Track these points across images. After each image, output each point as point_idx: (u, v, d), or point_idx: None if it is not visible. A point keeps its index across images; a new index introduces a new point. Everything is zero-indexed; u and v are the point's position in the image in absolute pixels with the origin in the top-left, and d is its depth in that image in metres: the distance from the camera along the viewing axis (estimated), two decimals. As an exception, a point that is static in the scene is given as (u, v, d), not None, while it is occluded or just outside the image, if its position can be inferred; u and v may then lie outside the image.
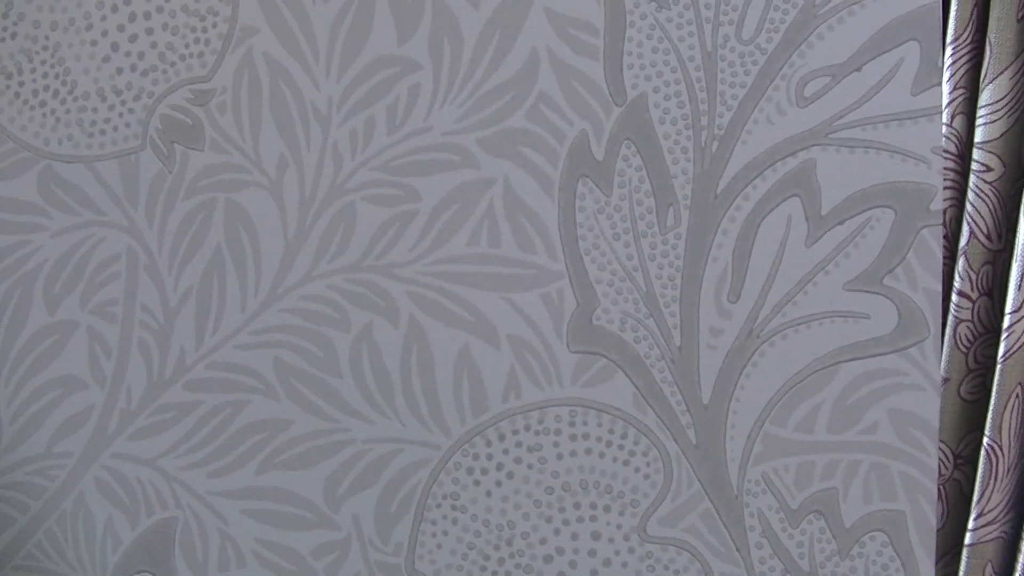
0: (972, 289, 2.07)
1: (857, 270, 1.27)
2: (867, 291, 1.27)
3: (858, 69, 1.26)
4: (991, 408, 2.03)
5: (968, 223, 2.06)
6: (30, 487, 1.37)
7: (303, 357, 1.32)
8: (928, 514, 1.27)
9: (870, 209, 1.27)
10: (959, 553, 2.11)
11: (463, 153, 1.31)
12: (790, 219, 1.28)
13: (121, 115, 1.36)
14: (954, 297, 2.06)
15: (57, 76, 1.37)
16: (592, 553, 1.30)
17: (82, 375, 1.36)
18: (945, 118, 2.06)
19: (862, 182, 1.27)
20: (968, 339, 2.07)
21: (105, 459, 1.36)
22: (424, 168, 1.32)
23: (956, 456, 2.09)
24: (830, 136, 1.27)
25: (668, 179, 1.29)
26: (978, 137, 2.03)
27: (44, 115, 1.37)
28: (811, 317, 1.27)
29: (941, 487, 2.10)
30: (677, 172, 1.29)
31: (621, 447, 1.30)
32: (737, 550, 1.28)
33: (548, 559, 1.31)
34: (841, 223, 1.27)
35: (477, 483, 1.30)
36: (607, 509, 1.30)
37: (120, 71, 1.36)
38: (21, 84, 1.38)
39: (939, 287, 1.26)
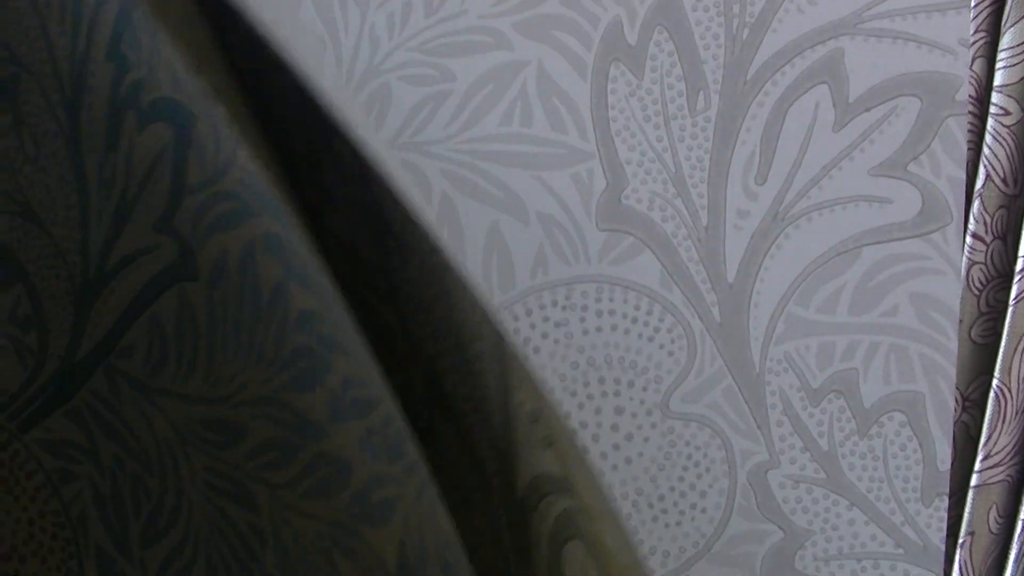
0: (986, 232, 2.09)
1: (882, 156, 1.30)
2: (891, 177, 1.30)
3: (889, -43, 1.29)
4: (1001, 351, 2.05)
5: (985, 166, 2.09)
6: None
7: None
8: (947, 396, 1.29)
9: (896, 98, 1.30)
10: (965, 495, 2.13)
11: (498, 36, 1.34)
12: (817, 106, 1.30)
13: None
14: (968, 239, 2.09)
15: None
16: (615, 428, 1.33)
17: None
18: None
19: (889, 71, 1.30)
20: (981, 282, 2.10)
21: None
22: (459, 50, 1.35)
23: (965, 399, 2.12)
24: (859, 26, 1.30)
25: (699, 64, 1.32)
26: (998, 80, 2.06)
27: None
28: (836, 201, 1.30)
29: (950, 429, 2.12)
30: (708, 58, 1.32)
31: (646, 324, 1.32)
32: (758, 427, 1.31)
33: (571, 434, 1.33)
34: (867, 110, 1.30)
35: (503, 358, 1.32)
36: (631, 385, 1.32)
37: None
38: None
39: (963, 175, 1.29)
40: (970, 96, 2.17)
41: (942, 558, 1.30)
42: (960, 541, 2.04)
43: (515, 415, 0.87)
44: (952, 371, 1.29)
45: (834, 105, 1.30)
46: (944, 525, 1.30)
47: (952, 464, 2.23)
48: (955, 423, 2.16)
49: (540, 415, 0.84)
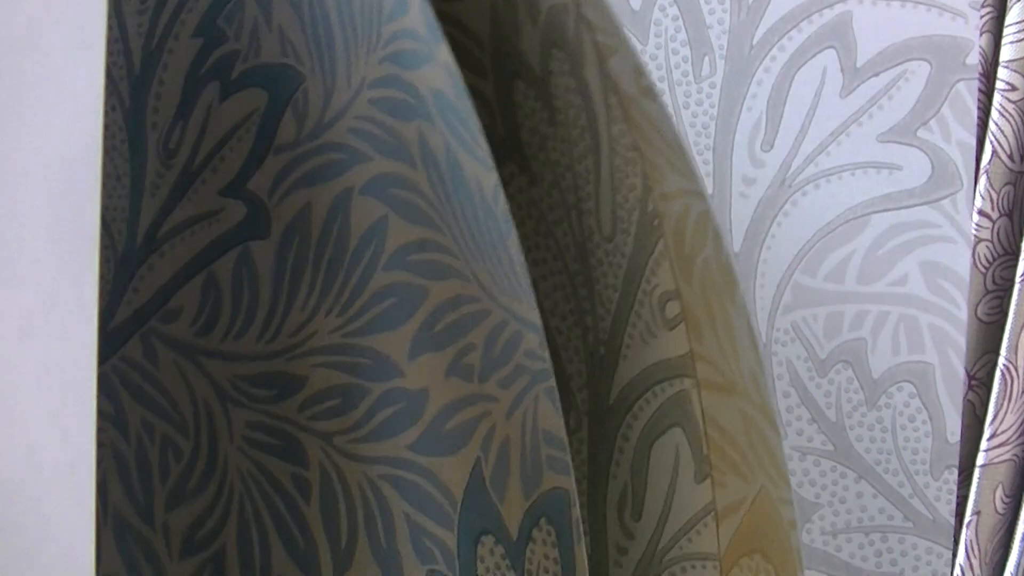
0: (993, 209, 2.07)
1: (891, 122, 1.27)
2: (900, 143, 1.27)
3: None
4: (1008, 329, 2.03)
5: (991, 142, 2.07)
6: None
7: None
8: (957, 367, 1.27)
9: (905, 62, 1.27)
10: (971, 474, 2.11)
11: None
12: (825, 71, 1.28)
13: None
14: (975, 216, 2.07)
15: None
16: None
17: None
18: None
19: (898, 35, 1.27)
20: (987, 259, 2.08)
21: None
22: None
23: (971, 378, 2.09)
24: (867, -10, 1.27)
25: (704, 30, 1.29)
26: (1004, 55, 2.03)
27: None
28: (844, 168, 1.27)
29: (956, 409, 2.10)
30: (713, 23, 1.29)
31: (650, 293, 1.30)
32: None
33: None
34: (876, 75, 1.28)
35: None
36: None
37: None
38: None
39: (973, 141, 1.26)
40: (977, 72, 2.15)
41: (952, 531, 1.28)
42: (966, 521, 2.02)
43: (640, 303, 0.90)
44: (962, 341, 1.27)
45: (842, 70, 1.27)
46: (954, 498, 1.28)
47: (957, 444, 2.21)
48: (960, 402, 2.14)
49: (676, 294, 0.86)
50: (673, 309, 0.90)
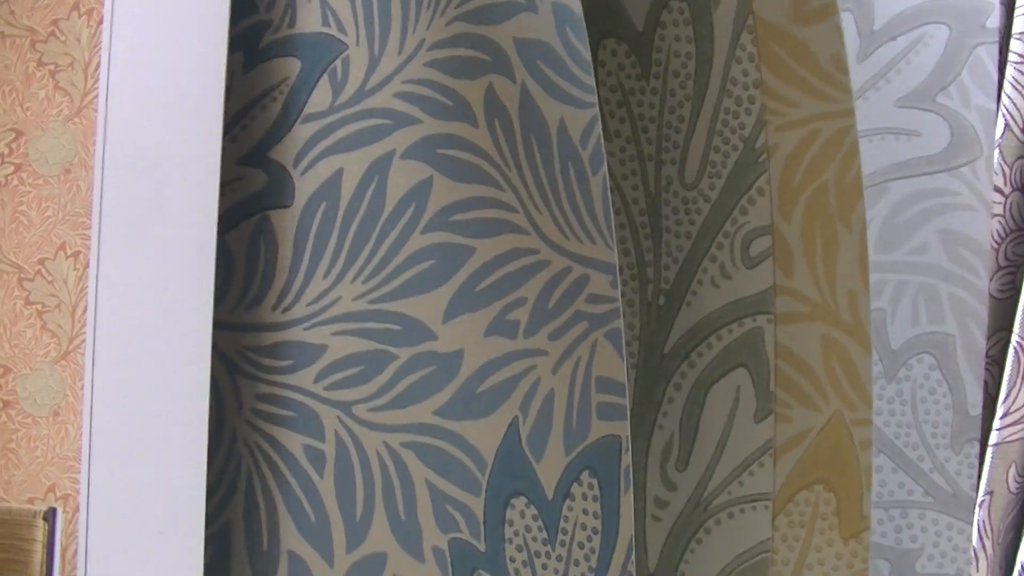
0: (1005, 183, 2.04)
1: (909, 87, 1.24)
2: (919, 108, 1.24)
3: None
4: (1021, 306, 2.00)
5: (1004, 116, 2.04)
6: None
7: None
8: (978, 337, 1.24)
9: (924, 25, 1.24)
10: (983, 454, 2.08)
11: None
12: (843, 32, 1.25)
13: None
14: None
15: None
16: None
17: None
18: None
19: (916, -2, 1.25)
20: (1000, 235, 2.05)
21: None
22: None
23: (984, 355, 2.06)
24: (884, -48, 1.25)
25: None
26: (1017, 28, 2.00)
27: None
28: (861, 134, 1.24)
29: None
30: None
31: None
32: (780, 371, 1.26)
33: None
34: (893, 39, 1.25)
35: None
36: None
37: None
38: None
39: (993, 106, 1.24)
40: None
41: (973, 506, 1.25)
42: (979, 500, 1.99)
43: (718, 246, 0.92)
44: (984, 312, 1.24)
45: (859, 34, 1.24)
46: (975, 472, 1.25)
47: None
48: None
49: (769, 229, 0.88)
50: (760, 245, 0.91)
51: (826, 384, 0.92)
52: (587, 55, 0.87)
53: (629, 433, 0.90)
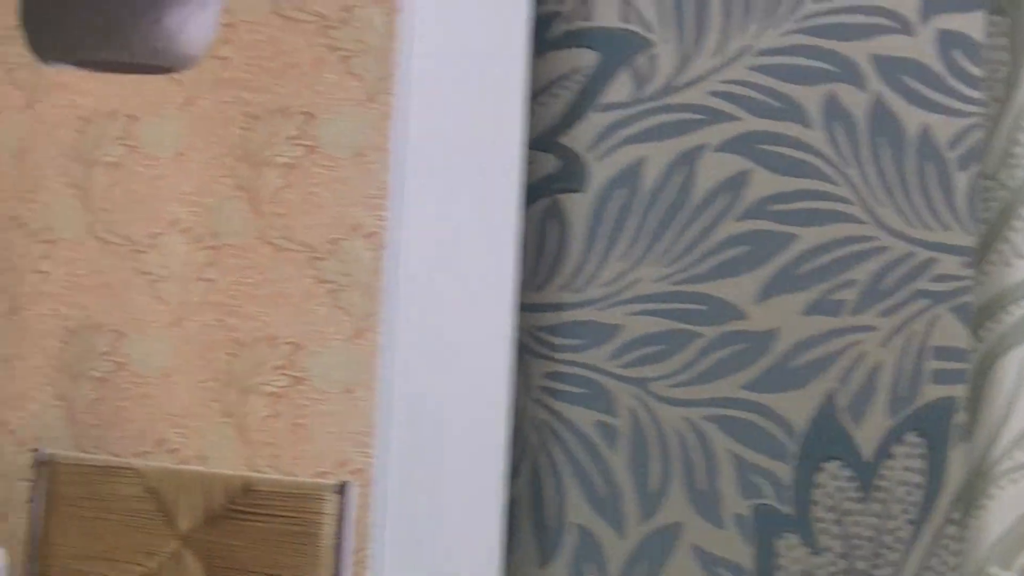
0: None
1: None
2: None
3: None
4: None
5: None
6: None
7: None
8: None
9: None
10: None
11: None
12: None
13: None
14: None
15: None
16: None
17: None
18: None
19: None
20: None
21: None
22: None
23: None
24: None
25: None
26: None
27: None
28: None
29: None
30: None
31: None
32: None
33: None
34: None
35: None
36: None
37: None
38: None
39: None
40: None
41: None
42: None
43: (1011, 228, 0.90)
44: None
45: None
46: None
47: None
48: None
49: None
50: None
51: None
52: (977, 72, 0.85)
53: (963, 394, 0.87)
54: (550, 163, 1.45)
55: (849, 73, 1.15)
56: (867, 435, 1.11)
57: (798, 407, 1.14)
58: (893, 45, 1.10)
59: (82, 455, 2.14)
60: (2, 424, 2.42)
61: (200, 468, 2.13)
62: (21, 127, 2.40)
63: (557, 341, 1.40)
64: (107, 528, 2.07)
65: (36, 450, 2.15)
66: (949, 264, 1.07)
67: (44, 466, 2.11)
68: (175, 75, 2.23)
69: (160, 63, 1.50)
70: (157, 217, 2.29)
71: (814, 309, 1.16)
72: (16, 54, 2.43)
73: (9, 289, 2.40)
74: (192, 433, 2.26)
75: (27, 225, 2.40)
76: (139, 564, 2.07)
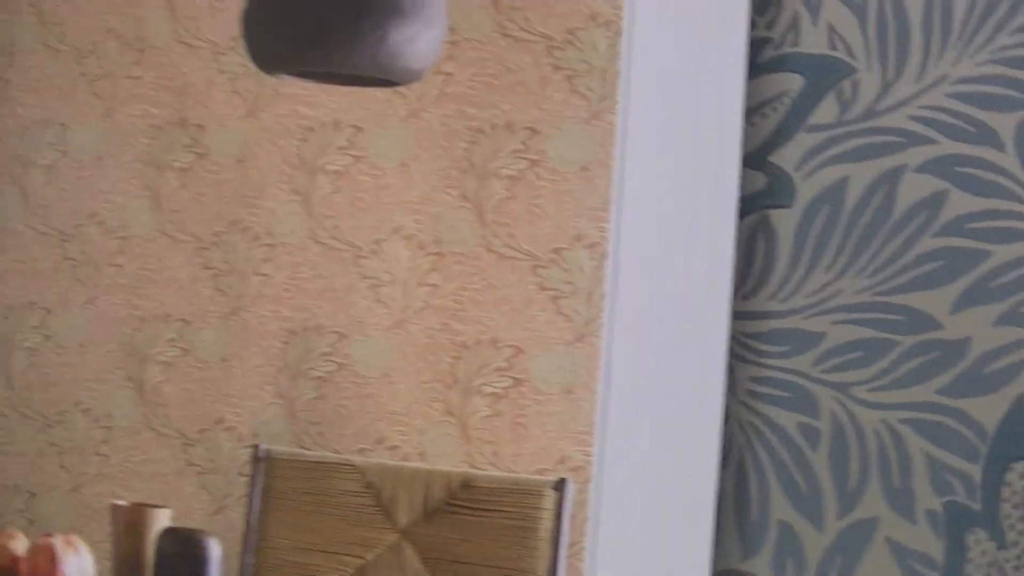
0: None
1: None
2: None
3: None
4: None
5: None
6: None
7: None
8: None
9: None
10: None
11: None
12: None
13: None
14: None
15: None
16: None
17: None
18: None
19: None
20: None
21: None
22: None
23: None
24: None
25: None
26: None
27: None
28: None
29: None
30: None
31: None
32: None
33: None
34: None
35: None
36: None
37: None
38: None
39: None
40: None
41: None
42: None
43: None
44: None
45: None
46: None
47: None
48: None
49: None
50: None
51: None
52: None
53: None
54: (760, 180, 1.52)
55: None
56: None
57: (989, 411, 1.18)
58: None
59: (300, 451, 2.20)
60: (221, 421, 2.46)
61: (419, 464, 2.19)
62: (244, 135, 2.45)
63: (764, 347, 1.46)
64: (324, 522, 2.13)
65: (255, 446, 2.21)
66: None
67: (262, 461, 2.17)
68: (399, 88, 2.27)
69: (385, 77, 1.52)
70: (381, 224, 2.33)
71: (1005, 320, 1.21)
72: (239, 64, 2.48)
73: (231, 291, 2.44)
74: (413, 431, 2.29)
75: (250, 229, 2.44)
76: (357, 556, 2.11)
